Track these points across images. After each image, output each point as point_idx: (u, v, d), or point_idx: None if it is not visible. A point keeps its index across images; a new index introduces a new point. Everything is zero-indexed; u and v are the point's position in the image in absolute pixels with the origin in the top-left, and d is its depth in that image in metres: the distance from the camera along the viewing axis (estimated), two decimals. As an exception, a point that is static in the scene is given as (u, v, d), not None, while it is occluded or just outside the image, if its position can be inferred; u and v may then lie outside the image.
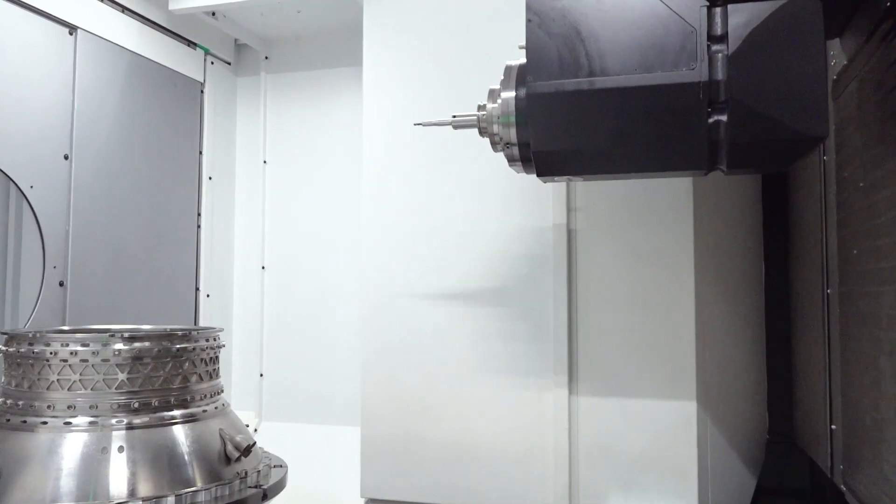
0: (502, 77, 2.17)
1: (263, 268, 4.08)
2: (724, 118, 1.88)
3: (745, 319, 3.03)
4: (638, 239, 2.79)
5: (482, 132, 2.28)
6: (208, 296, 3.87)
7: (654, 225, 2.78)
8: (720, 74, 1.88)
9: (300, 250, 4.04)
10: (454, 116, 2.37)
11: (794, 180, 3.02)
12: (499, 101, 2.17)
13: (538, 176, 2.19)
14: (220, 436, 2.01)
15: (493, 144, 2.26)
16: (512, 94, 2.13)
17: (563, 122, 2.01)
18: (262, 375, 4.03)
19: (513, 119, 2.12)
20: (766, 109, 1.84)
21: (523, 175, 2.75)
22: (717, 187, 2.89)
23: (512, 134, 2.14)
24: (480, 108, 2.27)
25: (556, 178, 2.31)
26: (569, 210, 2.86)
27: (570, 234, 2.86)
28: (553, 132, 2.03)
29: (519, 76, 2.13)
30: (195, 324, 3.78)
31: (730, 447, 2.88)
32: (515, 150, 2.18)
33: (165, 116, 3.64)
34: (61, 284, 3.01)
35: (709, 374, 2.77)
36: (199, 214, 3.85)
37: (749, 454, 2.97)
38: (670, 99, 1.90)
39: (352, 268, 3.77)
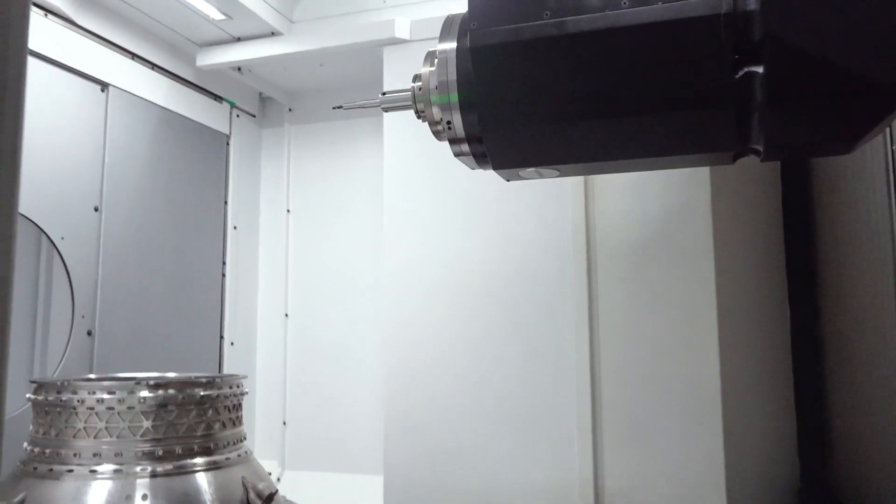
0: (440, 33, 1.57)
1: (287, 316, 4.11)
2: (759, 69, 1.25)
3: (773, 359, 2.98)
4: (657, 279, 2.78)
5: (419, 114, 1.67)
6: (232, 343, 3.90)
7: (673, 264, 2.76)
8: (751, 2, 1.24)
9: (323, 298, 4.07)
10: (383, 94, 1.79)
11: (821, 188, 2.55)
12: (435, 61, 1.56)
13: (495, 170, 1.62)
14: (243, 484, 2.01)
15: (436, 133, 1.66)
16: (452, 45, 1.51)
17: (523, 86, 1.38)
18: (285, 423, 4.02)
19: (455, 97, 1.50)
20: (822, 51, 1.17)
21: (543, 216, 2.71)
22: (737, 212, 2.87)
23: (454, 115, 1.52)
24: (416, 77, 1.65)
25: (521, 174, 1.66)
26: (588, 251, 2.86)
27: (591, 277, 2.85)
28: (509, 103, 1.41)
29: (462, 27, 1.51)
30: (219, 371, 3.80)
31: (760, 494, 2.80)
32: (465, 144, 1.58)
33: (192, 168, 3.73)
34: (89, 333, 3.06)
35: (736, 418, 2.71)
36: (223, 263, 3.91)
37: (780, 502, 2.89)
38: (677, 42, 1.25)
39: (375, 316, 3.78)
